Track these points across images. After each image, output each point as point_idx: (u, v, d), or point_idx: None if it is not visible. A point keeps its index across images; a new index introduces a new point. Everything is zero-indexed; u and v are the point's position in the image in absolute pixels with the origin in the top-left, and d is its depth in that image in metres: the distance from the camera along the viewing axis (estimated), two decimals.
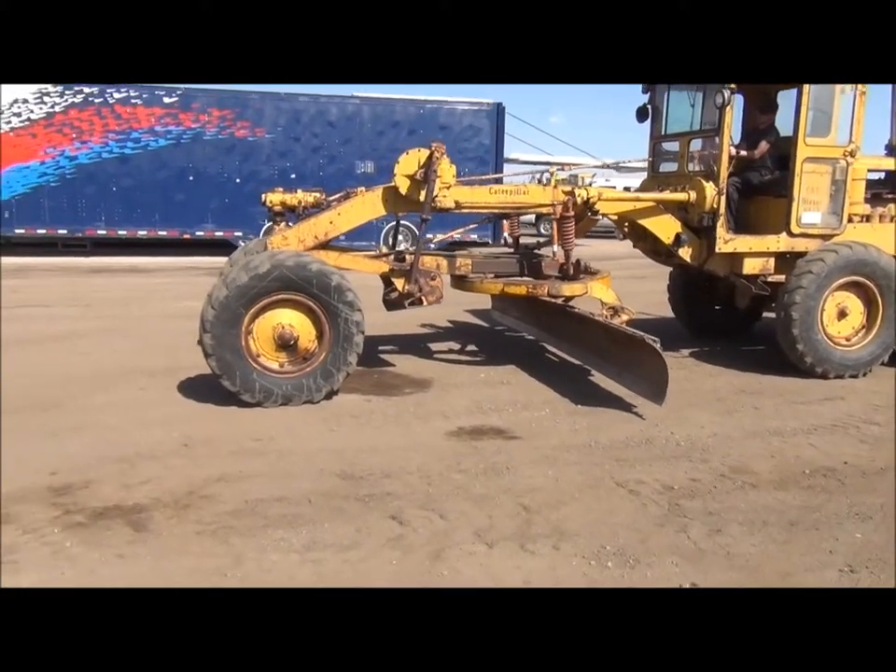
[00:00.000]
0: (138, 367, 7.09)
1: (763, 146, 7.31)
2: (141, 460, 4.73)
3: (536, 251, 7.78)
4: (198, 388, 6.28)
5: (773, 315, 8.34)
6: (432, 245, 19.62)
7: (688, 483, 4.51)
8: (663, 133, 7.85)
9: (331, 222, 6.50)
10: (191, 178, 18.69)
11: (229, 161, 18.91)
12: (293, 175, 19.09)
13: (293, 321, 5.91)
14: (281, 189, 6.75)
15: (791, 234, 6.98)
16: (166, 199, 18.45)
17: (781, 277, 7.16)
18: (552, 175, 7.05)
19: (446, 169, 6.34)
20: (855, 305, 7.01)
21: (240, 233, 19.11)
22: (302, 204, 6.69)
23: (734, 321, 8.74)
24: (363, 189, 6.83)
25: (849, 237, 7.09)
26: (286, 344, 5.89)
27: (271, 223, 7.04)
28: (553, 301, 6.82)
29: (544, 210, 6.99)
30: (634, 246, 8.19)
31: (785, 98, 7.70)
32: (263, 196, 6.70)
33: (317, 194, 6.80)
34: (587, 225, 7.25)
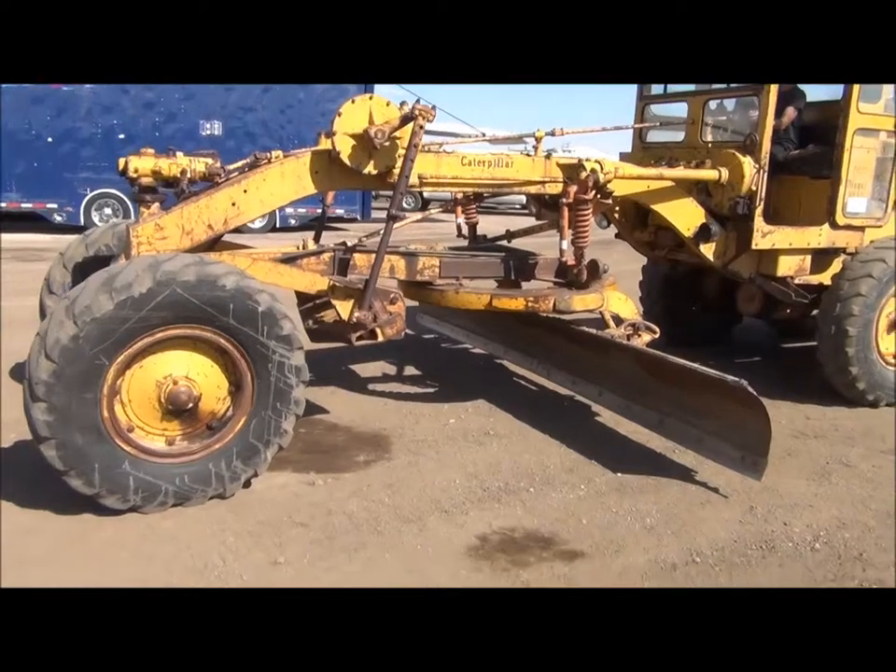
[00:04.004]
0: None
1: (791, 112, 5.75)
2: None
3: (506, 243, 5.83)
4: (25, 476, 3.80)
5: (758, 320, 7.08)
6: (292, 222, 17.48)
7: None
8: (660, 91, 6.09)
9: (234, 204, 4.16)
10: None
11: (37, 114, 15.13)
12: (121, 136, 15.75)
13: (192, 370, 3.59)
14: (152, 152, 4.26)
15: (834, 226, 5.48)
16: None
17: (813, 279, 5.69)
18: (538, 141, 5.08)
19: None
20: None
21: (54, 205, 15.61)
22: (188, 175, 4.26)
23: (713, 325, 7.24)
24: (279, 153, 4.51)
25: (891, 230, 5.72)
26: (180, 409, 3.57)
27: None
28: (559, 316, 4.89)
29: (532, 189, 5.03)
30: (617, 236, 6.43)
31: None
32: (123, 161, 4.19)
33: (209, 160, 4.40)
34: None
